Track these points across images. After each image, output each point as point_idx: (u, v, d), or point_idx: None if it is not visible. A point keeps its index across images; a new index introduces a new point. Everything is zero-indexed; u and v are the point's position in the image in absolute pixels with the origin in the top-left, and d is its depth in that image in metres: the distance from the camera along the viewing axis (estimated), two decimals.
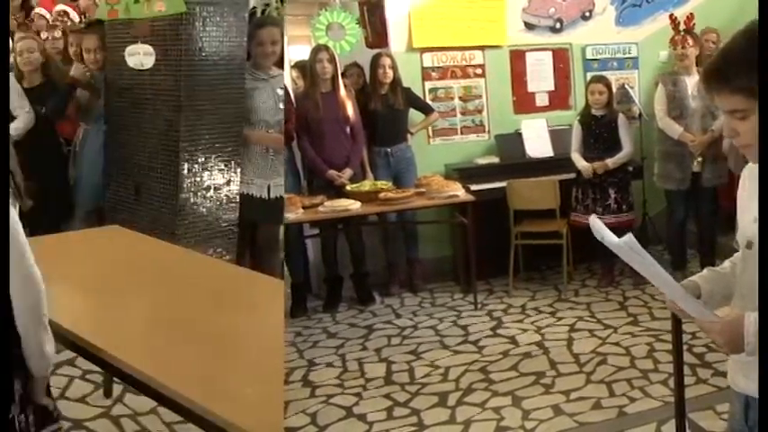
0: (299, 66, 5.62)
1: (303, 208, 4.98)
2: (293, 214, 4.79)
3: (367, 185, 5.65)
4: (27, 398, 2.06)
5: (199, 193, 4.74)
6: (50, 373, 2.15)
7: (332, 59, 5.40)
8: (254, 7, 5.16)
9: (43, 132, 5.05)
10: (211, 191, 4.81)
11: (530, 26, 6.89)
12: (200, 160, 4.73)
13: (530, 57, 6.93)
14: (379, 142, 6.26)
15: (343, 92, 5.49)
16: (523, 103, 6.98)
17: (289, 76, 5.40)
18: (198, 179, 4.74)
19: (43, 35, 5.80)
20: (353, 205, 5.26)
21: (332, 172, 5.43)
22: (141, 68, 4.76)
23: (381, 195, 5.38)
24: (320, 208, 5.12)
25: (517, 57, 6.95)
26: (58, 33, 5.81)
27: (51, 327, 2.12)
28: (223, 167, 4.86)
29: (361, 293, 5.79)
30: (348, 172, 5.47)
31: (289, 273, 5.13)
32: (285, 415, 3.82)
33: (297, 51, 5.84)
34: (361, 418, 3.92)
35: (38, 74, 5.10)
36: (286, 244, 5.09)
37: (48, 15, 6.49)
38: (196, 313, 2.72)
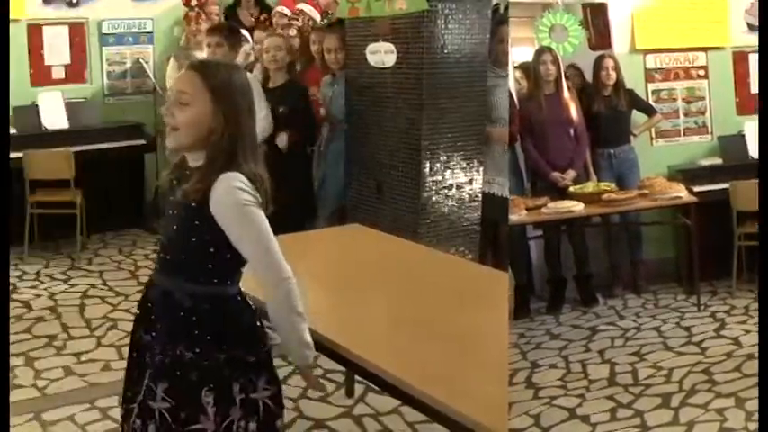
0: (523, 67, 5.45)
1: (526, 209, 4.85)
2: (516, 216, 4.74)
3: (590, 187, 5.01)
4: (252, 402, 2.14)
5: (441, 192, 4.78)
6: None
7: (555, 61, 5.01)
8: (497, 4, 5.07)
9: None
10: (453, 189, 4.83)
11: (753, 27, 6.54)
12: (441, 159, 4.71)
13: (47, 31, 6.92)
14: (602, 144, 4.85)
15: (566, 94, 5.10)
16: (40, 75, 7.02)
17: (512, 78, 5.39)
18: (440, 178, 4.74)
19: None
20: (577, 207, 4.97)
21: (555, 174, 5.04)
22: (382, 67, 4.73)
23: (604, 197, 4.97)
24: (543, 209, 4.78)
25: (740, 58, 6.67)
26: (293, 32, 5.78)
27: None
28: (465, 166, 4.83)
29: (585, 295, 5.59)
30: (571, 173, 5.09)
31: (512, 274, 4.65)
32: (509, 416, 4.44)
33: (520, 53, 5.56)
34: (585, 419, 3.97)
35: (282, 73, 4.93)
36: (510, 246, 5.23)
37: (288, 13, 5.43)
38: (438, 312, 2.68)
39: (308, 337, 2.19)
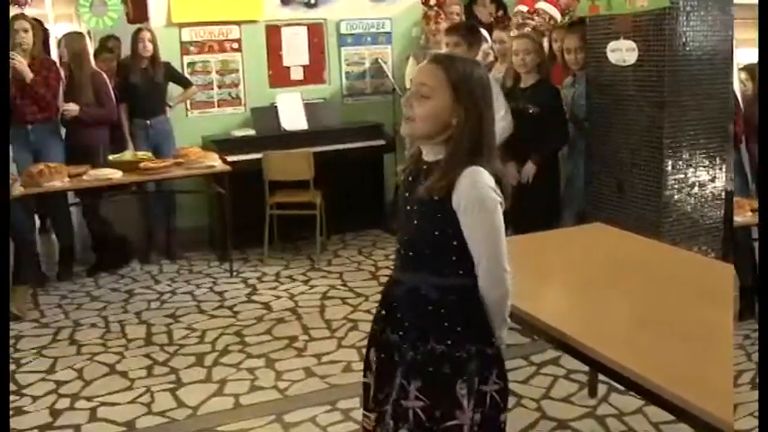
0: (748, 68, 5.49)
1: (751, 211, 4.53)
2: (741, 217, 4.56)
3: (128, 156, 6.17)
4: (482, 394, 2.24)
5: (683, 190, 4.80)
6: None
7: None
8: None
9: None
10: (696, 188, 4.85)
11: (285, 1, 7.25)
12: (684, 156, 4.76)
13: (285, 31, 7.35)
14: (138, 114, 6.53)
15: None
16: (279, 77, 7.36)
17: (737, 79, 5.44)
18: (682, 176, 4.78)
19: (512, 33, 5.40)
20: (116, 174, 5.76)
21: None
22: (623, 64, 4.83)
23: (141, 165, 5.97)
24: None
25: (273, 32, 7.29)
26: (528, 30, 5.81)
27: (538, 325, 2.53)
28: (707, 164, 4.86)
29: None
30: None
31: (737, 275, 4.69)
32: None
33: (745, 54, 5.58)
34: (124, 375, 4.48)
35: (533, 73, 5.11)
36: (735, 247, 4.95)
37: (525, 10, 5.81)
38: (682, 311, 2.73)
39: (509, 320, 2.33)
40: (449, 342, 2.23)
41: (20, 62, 5.83)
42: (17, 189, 5.43)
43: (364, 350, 4.46)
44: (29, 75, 5.88)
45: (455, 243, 2.23)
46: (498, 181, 2.21)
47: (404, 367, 2.26)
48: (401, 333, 2.30)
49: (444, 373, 2.22)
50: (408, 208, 2.31)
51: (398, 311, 2.34)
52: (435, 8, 7.29)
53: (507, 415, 2.36)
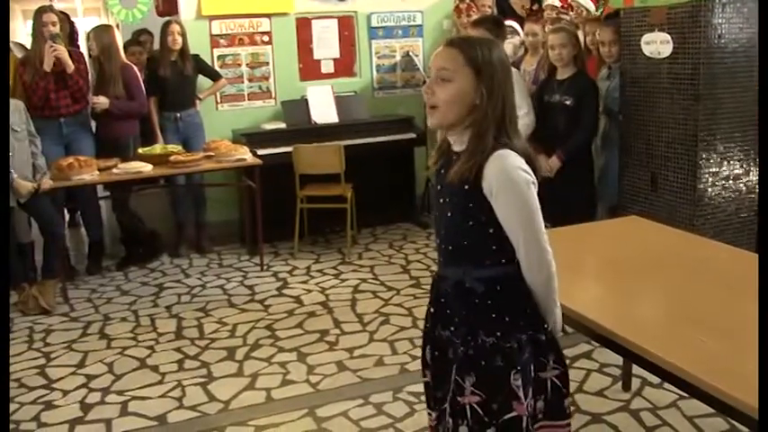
0: None
1: None
2: None
3: (158, 149, 6.16)
4: (541, 381, 2.25)
5: (717, 184, 4.76)
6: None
7: None
8: None
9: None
10: (730, 181, 4.82)
11: None
12: (718, 150, 4.72)
13: (316, 24, 7.31)
14: (168, 107, 6.54)
15: None
16: (309, 69, 7.36)
17: None
18: (716, 169, 4.74)
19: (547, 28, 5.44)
20: (146, 167, 5.75)
21: None
22: (658, 57, 4.80)
23: (171, 158, 5.96)
24: None
25: (303, 24, 7.28)
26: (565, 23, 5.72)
27: (574, 317, 2.47)
28: (742, 157, 4.82)
29: None
30: None
31: None
32: None
33: None
34: (155, 369, 4.46)
35: (570, 66, 5.09)
36: None
37: (559, 5, 5.83)
38: (718, 303, 2.72)
39: (558, 303, 2.29)
40: (498, 334, 2.19)
41: (62, 51, 5.79)
42: (46, 183, 5.41)
43: (396, 344, 4.63)
44: (70, 65, 5.86)
45: (491, 231, 2.18)
46: (528, 160, 2.16)
47: (457, 363, 2.23)
48: (452, 329, 2.28)
49: (497, 366, 2.18)
50: (441, 201, 2.28)
51: (447, 307, 2.31)
52: (467, 1, 7.18)
53: (571, 399, 2.36)
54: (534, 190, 2.14)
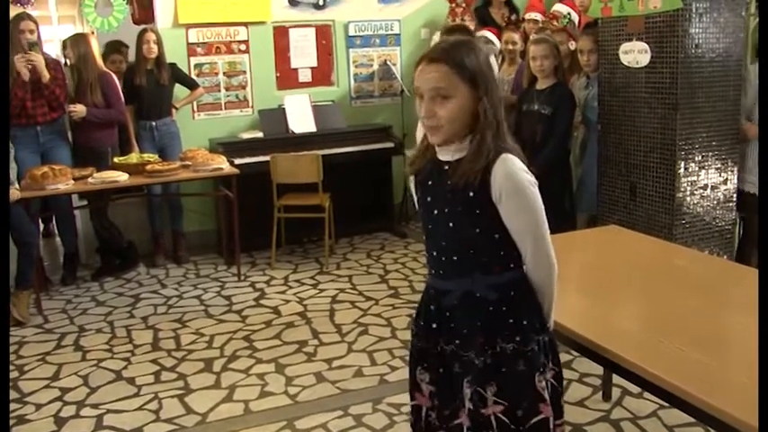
0: None
1: None
2: None
3: (134, 158, 6.10)
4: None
5: (696, 192, 4.77)
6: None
7: None
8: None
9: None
10: (708, 190, 4.84)
11: (293, 2, 7.24)
12: (696, 158, 4.75)
13: (293, 33, 7.30)
14: (144, 116, 6.51)
15: None
16: (287, 78, 7.34)
17: None
18: (694, 178, 4.76)
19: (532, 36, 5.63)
20: (122, 177, 5.75)
21: None
22: (636, 66, 4.82)
23: (148, 168, 5.90)
24: None
25: (281, 33, 7.25)
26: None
27: (554, 328, 2.35)
28: (720, 166, 4.85)
29: None
30: None
31: None
32: None
33: None
34: (131, 381, 4.40)
35: (550, 78, 5.12)
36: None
37: (539, 18, 5.89)
38: (698, 313, 2.71)
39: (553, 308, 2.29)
40: (518, 339, 2.17)
41: (39, 62, 5.75)
42: (14, 193, 5.29)
43: (375, 354, 4.55)
44: (46, 75, 5.82)
45: (497, 236, 2.16)
46: (522, 161, 2.17)
47: (473, 375, 2.19)
48: (458, 342, 2.23)
49: (521, 371, 2.16)
50: (436, 212, 2.22)
51: (451, 321, 2.25)
52: (462, 5, 7.25)
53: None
54: (537, 191, 2.14)
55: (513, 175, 2.09)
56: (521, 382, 2.16)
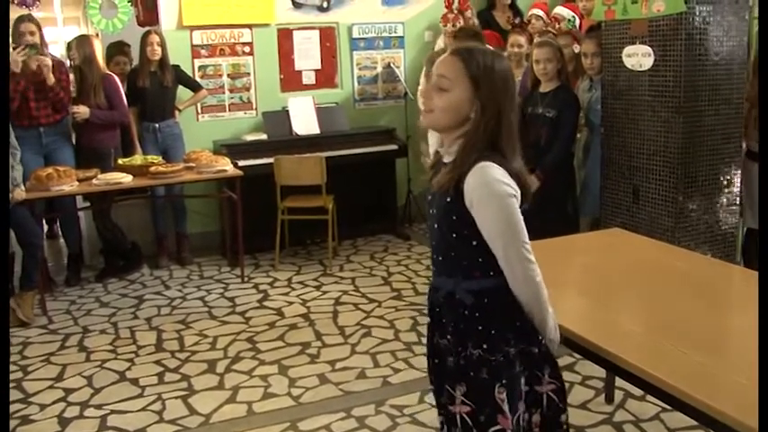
0: None
1: None
2: None
3: (138, 160, 6.12)
4: (536, 395, 2.25)
5: (698, 196, 4.76)
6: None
7: None
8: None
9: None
10: (711, 193, 4.83)
11: (297, 5, 7.23)
12: (699, 162, 4.71)
13: (297, 35, 7.30)
14: (148, 118, 6.51)
15: None
16: (290, 81, 7.33)
17: None
18: (697, 181, 4.75)
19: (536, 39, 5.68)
20: (126, 178, 5.75)
21: None
22: (639, 69, 4.82)
23: (152, 169, 5.91)
24: None
25: (285, 35, 7.26)
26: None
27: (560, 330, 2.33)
28: (723, 169, 4.83)
29: None
30: None
31: None
32: None
33: None
34: (134, 382, 4.41)
35: (554, 81, 5.10)
36: None
37: (544, 16, 5.84)
38: (700, 316, 2.71)
39: (554, 331, 2.27)
40: (484, 346, 2.17)
41: (46, 64, 5.76)
42: (19, 194, 5.31)
43: (378, 356, 4.60)
44: (51, 78, 5.83)
45: (475, 244, 2.16)
46: (518, 179, 2.13)
47: (449, 373, 2.24)
48: (448, 338, 2.27)
49: (483, 379, 2.17)
50: (432, 212, 2.28)
51: (441, 317, 2.30)
52: (455, 11, 7.21)
53: (568, 414, 2.36)
54: (516, 203, 2.11)
55: (487, 184, 2.08)
56: (482, 389, 2.18)
